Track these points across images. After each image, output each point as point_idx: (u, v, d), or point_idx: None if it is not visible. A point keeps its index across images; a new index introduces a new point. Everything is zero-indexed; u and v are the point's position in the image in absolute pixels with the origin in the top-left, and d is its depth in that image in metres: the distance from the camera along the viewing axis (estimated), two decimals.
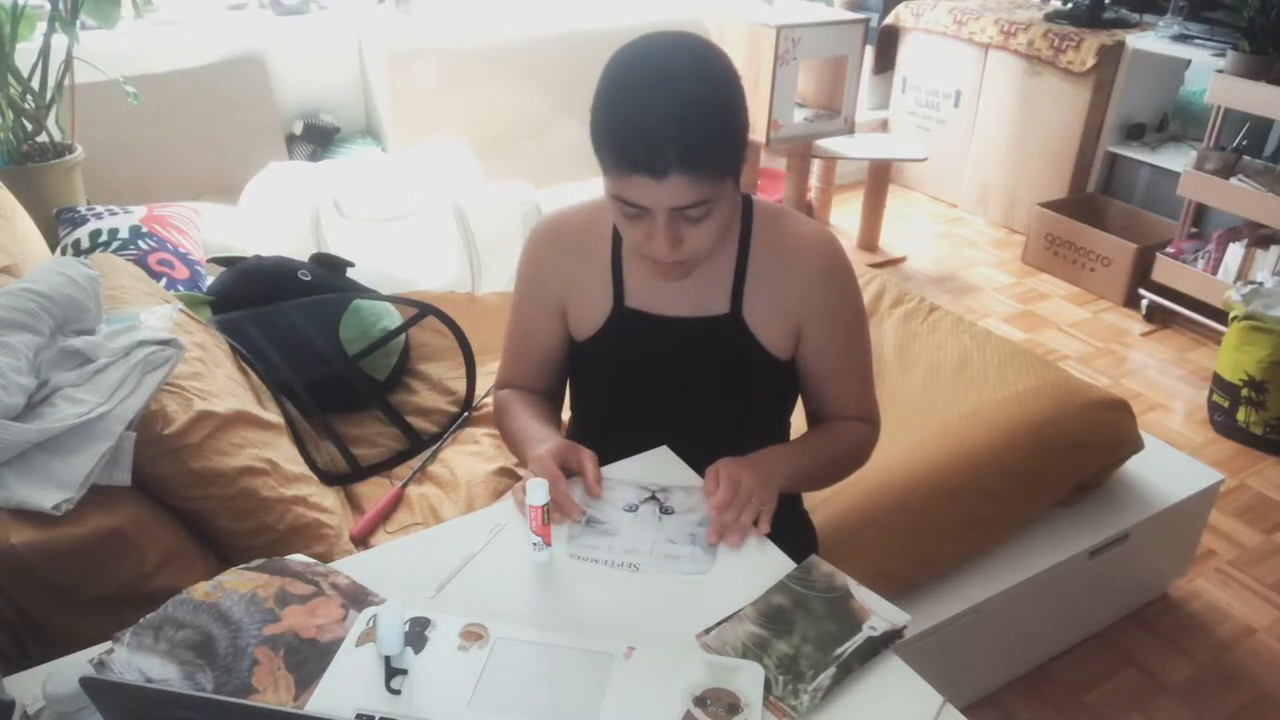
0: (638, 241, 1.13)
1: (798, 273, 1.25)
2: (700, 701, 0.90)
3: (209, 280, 2.13)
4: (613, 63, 1.07)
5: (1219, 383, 2.80)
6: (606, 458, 1.26)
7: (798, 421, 1.47)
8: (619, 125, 1.04)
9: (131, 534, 1.24)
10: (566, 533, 1.13)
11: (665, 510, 1.17)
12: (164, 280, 2.12)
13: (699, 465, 1.24)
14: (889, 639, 0.98)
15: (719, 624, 1.00)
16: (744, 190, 1.26)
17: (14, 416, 1.18)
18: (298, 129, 3.32)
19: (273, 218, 2.53)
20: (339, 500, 1.65)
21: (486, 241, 2.56)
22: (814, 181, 4.03)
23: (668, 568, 1.09)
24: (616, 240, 1.28)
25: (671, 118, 1.01)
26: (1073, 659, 2.05)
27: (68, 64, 2.51)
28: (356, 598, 1.02)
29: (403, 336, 2.00)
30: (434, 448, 1.84)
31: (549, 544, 1.10)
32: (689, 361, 1.29)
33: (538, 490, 1.06)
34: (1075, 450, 1.91)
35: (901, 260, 3.91)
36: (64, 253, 2.18)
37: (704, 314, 1.27)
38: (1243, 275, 3.08)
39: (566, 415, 1.55)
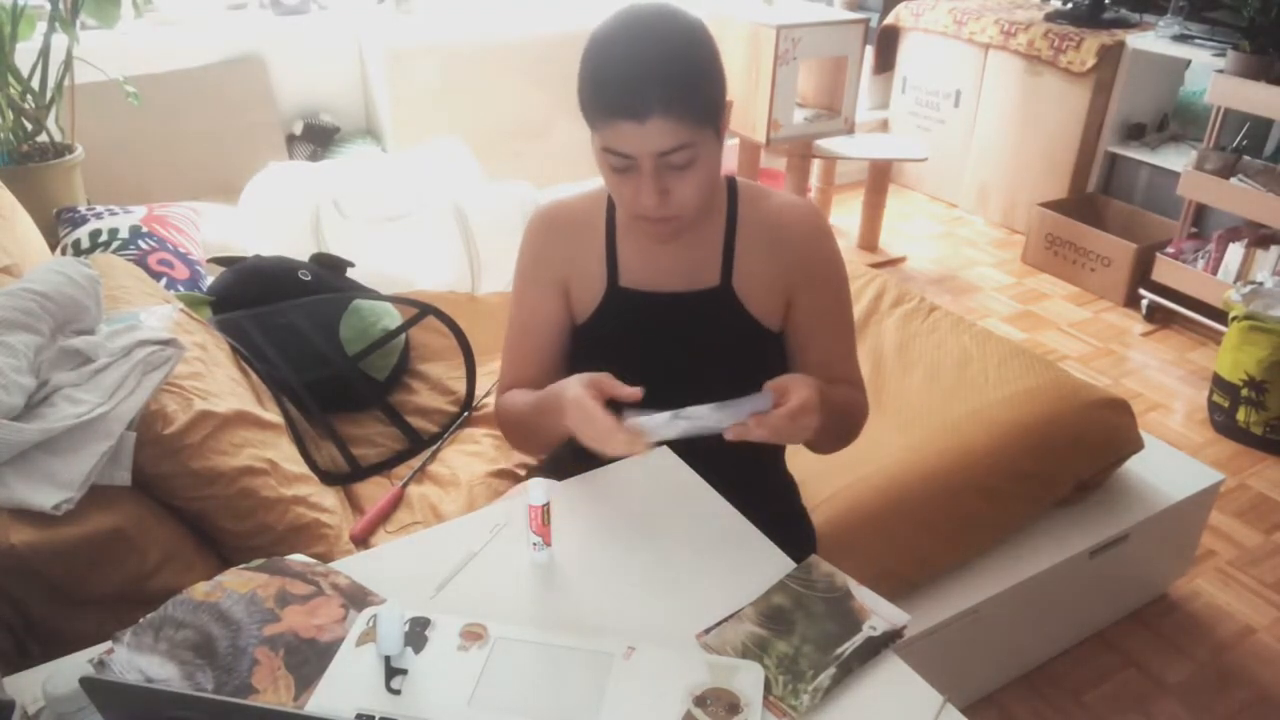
0: (628, 201, 1.16)
1: (784, 241, 1.29)
2: (700, 701, 0.90)
3: (209, 280, 2.13)
4: (595, 30, 1.13)
5: (1219, 383, 2.80)
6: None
7: None
8: (601, 76, 1.10)
9: (131, 534, 1.24)
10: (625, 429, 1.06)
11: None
12: (164, 280, 2.11)
13: (694, 452, 1.24)
14: (889, 639, 0.98)
15: (719, 624, 1.00)
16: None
17: (14, 416, 1.18)
18: (298, 129, 3.32)
19: (273, 218, 2.52)
20: (339, 500, 1.65)
21: (486, 241, 2.56)
22: (814, 181, 4.03)
23: (734, 409, 1.04)
24: (610, 225, 1.31)
25: (650, 63, 1.08)
26: (1073, 659, 2.05)
27: (68, 64, 2.51)
28: (356, 598, 1.02)
29: (403, 336, 1.99)
30: (434, 447, 1.84)
31: (549, 544, 1.10)
32: (683, 336, 1.31)
33: (538, 490, 1.06)
34: (1075, 450, 1.91)
35: (901, 260, 3.91)
36: (64, 253, 2.17)
37: (695, 288, 1.29)
38: (1243, 275, 3.08)
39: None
